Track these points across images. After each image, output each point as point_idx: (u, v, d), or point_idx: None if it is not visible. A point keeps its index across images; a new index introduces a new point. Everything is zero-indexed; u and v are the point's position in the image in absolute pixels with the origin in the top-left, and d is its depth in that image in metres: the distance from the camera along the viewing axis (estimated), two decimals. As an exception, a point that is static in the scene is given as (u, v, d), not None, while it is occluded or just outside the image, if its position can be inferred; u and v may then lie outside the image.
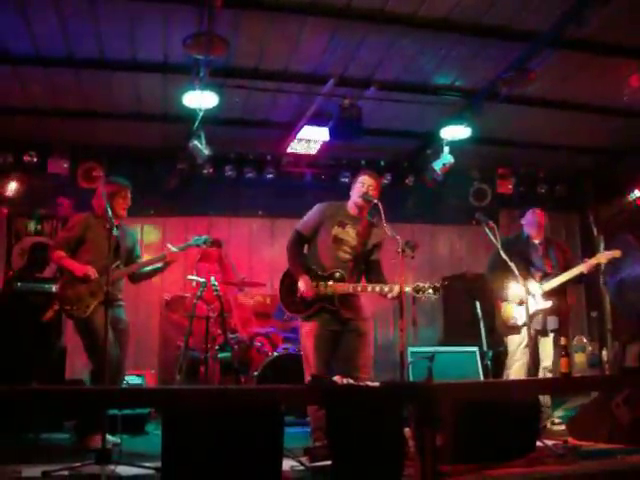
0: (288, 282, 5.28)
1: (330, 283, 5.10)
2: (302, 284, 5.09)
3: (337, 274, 5.13)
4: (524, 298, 5.91)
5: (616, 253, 6.07)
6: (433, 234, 10.09)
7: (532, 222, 6.43)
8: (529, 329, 5.70)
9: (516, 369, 6.05)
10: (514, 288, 6.04)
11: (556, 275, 6.13)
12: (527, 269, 6.15)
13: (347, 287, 5.10)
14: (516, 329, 6.15)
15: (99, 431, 5.11)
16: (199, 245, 5.97)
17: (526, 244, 6.36)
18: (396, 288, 4.90)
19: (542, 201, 9.90)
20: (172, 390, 4.57)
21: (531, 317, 6.00)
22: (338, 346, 5.12)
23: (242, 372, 7.28)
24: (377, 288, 5.03)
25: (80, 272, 5.36)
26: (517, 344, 6.13)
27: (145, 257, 6.07)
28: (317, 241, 5.30)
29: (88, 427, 5.19)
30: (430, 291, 4.93)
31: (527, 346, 5.96)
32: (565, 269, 6.18)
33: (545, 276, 6.19)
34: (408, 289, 4.89)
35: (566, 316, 6.31)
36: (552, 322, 6.11)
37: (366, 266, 5.34)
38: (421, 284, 4.95)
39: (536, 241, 6.39)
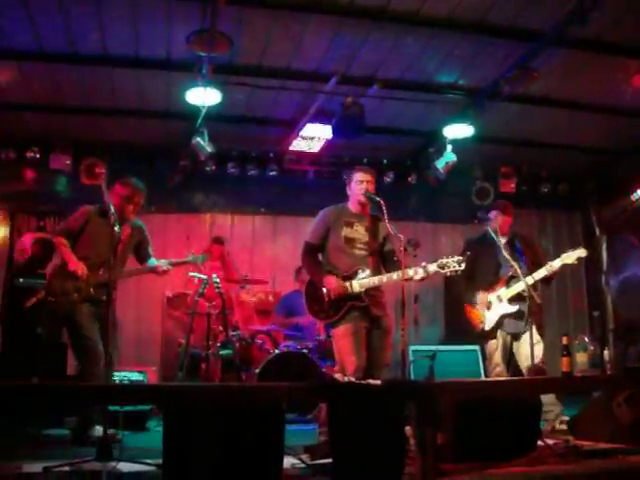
0: (312, 291, 5.27)
1: (354, 282, 5.10)
2: (328, 283, 5.09)
3: (359, 270, 5.14)
4: (492, 305, 5.94)
5: (581, 252, 5.83)
6: (435, 233, 10.07)
7: (497, 222, 6.18)
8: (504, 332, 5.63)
9: (497, 373, 6.00)
10: (480, 294, 6.05)
11: (524, 275, 5.78)
12: (495, 273, 6.08)
13: (371, 281, 5.11)
14: (489, 334, 6.07)
15: (96, 425, 5.18)
16: (196, 263, 5.98)
17: (491, 245, 6.09)
18: (420, 270, 4.94)
19: (545, 200, 9.95)
20: (173, 387, 4.57)
21: (499, 321, 6.00)
22: (369, 344, 5.13)
23: (243, 369, 7.28)
24: (401, 274, 4.96)
25: (72, 266, 5.33)
26: (494, 349, 6.07)
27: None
28: (329, 246, 5.32)
29: (87, 422, 5.22)
30: (455, 265, 4.93)
31: (502, 356, 5.96)
32: (534, 266, 5.94)
33: (511, 279, 6.00)
34: (433, 267, 4.94)
35: (538, 316, 6.02)
36: (521, 325, 5.92)
37: (382, 258, 5.37)
38: (444, 259, 4.96)
39: (502, 240, 6.06)
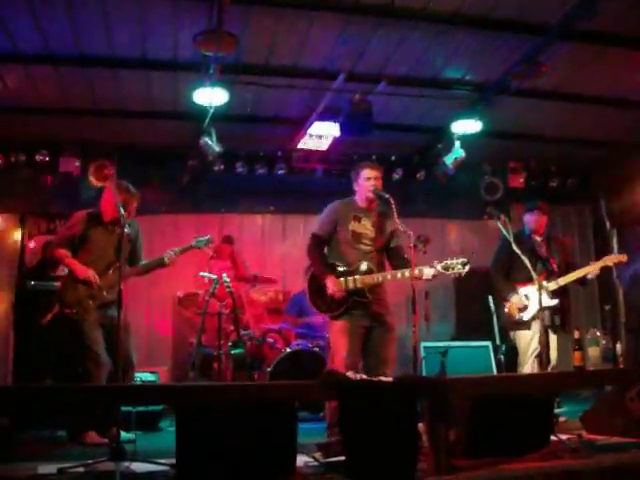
0: (315, 284, 5.27)
1: (357, 277, 5.11)
2: (330, 285, 5.09)
3: (363, 266, 5.14)
4: (532, 297, 6.00)
5: (622, 257, 6.13)
6: (444, 229, 10.06)
7: (533, 221, 6.46)
8: (543, 324, 5.64)
9: (530, 365, 6.02)
10: (518, 290, 6.18)
11: (559, 274, 6.17)
12: (534, 267, 6.05)
13: (375, 277, 5.11)
14: (523, 324, 6.15)
15: (93, 428, 5.19)
16: (200, 247, 5.91)
17: (529, 241, 6.32)
18: (426, 270, 4.92)
19: (554, 194, 9.90)
20: (186, 387, 4.59)
21: (537, 314, 5.97)
22: (368, 342, 5.13)
23: (255, 368, 7.30)
24: (407, 273, 4.94)
25: (82, 274, 5.39)
26: (529, 340, 6.10)
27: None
28: (336, 239, 5.32)
29: (83, 424, 5.26)
30: (459, 266, 4.90)
31: (539, 342, 5.93)
32: (566, 265, 6.28)
33: (550, 274, 6.18)
34: (438, 267, 4.91)
35: (568, 314, 6.34)
36: (557, 320, 6.13)
37: (388, 254, 5.37)
38: (449, 261, 4.93)
39: (538, 238, 6.41)
